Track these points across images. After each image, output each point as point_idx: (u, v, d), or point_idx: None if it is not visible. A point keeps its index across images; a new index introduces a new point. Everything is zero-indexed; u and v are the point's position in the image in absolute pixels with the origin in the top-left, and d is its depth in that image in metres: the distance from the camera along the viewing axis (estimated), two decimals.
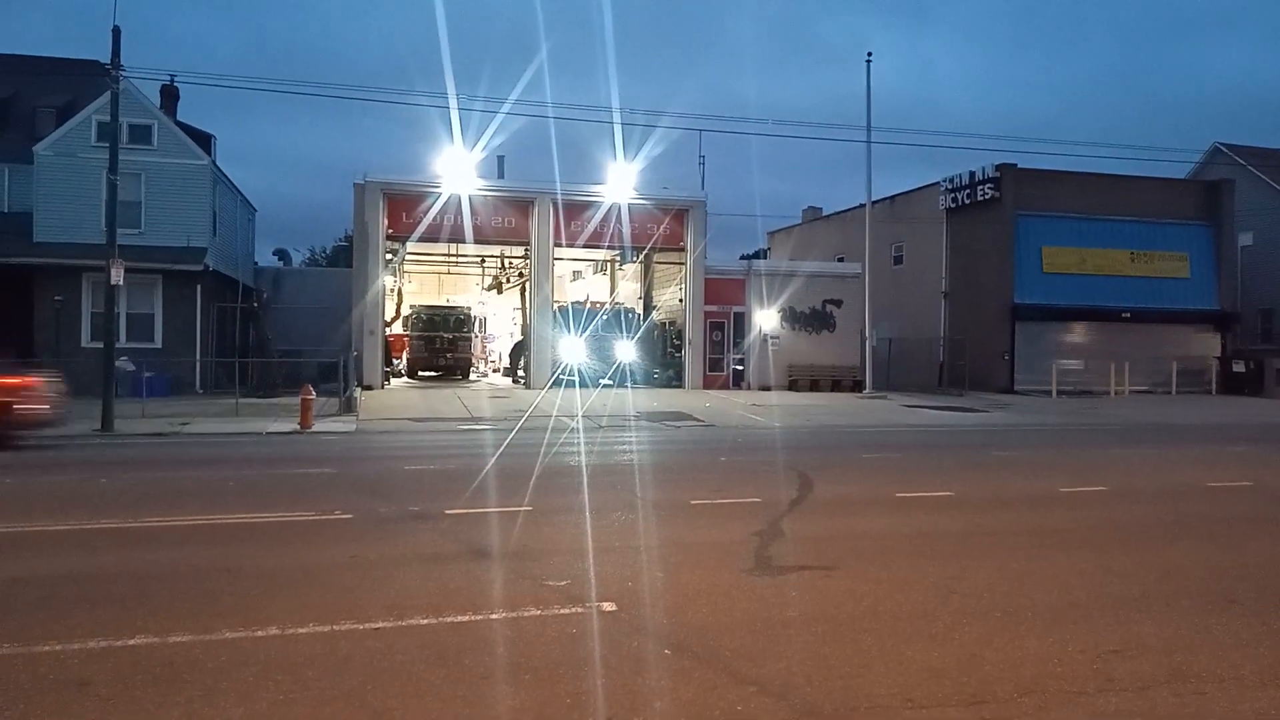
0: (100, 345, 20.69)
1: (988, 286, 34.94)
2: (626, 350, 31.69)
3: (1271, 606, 6.24)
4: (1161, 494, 11.65)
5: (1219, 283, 36.77)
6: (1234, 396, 33.61)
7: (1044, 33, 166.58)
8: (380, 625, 5.58)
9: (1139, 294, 35.41)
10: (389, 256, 32.75)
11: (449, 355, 36.38)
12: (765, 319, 33.34)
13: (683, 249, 32.89)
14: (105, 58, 19.90)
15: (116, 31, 19.33)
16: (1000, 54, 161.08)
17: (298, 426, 19.16)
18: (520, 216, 31.57)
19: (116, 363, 20.44)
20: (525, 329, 34.47)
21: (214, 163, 30.92)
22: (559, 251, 32.55)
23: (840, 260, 38.89)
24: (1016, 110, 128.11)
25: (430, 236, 31.26)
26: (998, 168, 34.67)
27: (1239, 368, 35.46)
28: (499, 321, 44.24)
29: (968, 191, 36.05)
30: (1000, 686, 4.67)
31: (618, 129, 30.91)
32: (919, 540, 8.33)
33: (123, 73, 19.94)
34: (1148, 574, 7.11)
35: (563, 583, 6.62)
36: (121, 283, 19.93)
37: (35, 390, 16.05)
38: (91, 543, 8.10)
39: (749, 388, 32.56)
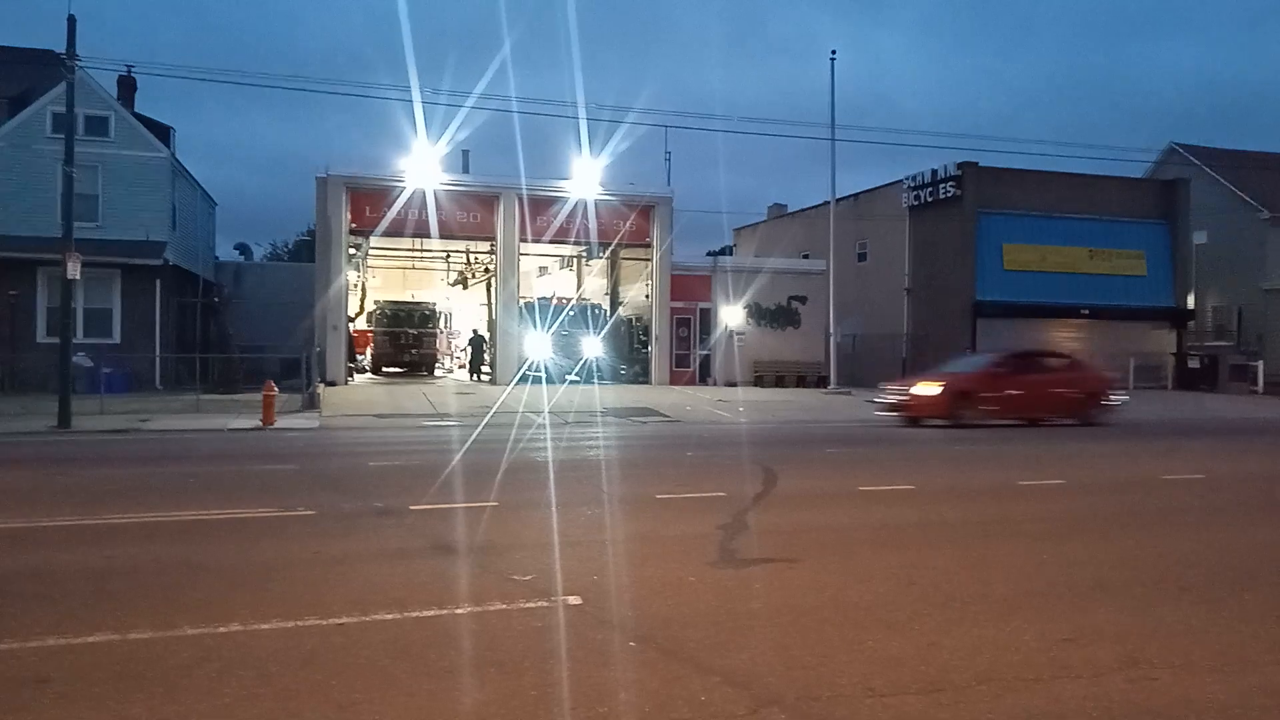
0: (56, 341, 20.33)
1: (950, 283, 35.35)
2: (593, 346, 31.68)
3: (1222, 594, 6.40)
4: (1117, 487, 11.88)
5: (1175, 280, 37.49)
6: (1189, 392, 34.29)
7: (994, 31, 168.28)
8: (344, 620, 5.56)
9: (1097, 291, 36.02)
10: (352, 251, 32.47)
11: (414, 351, 36.14)
12: (731, 315, 33.50)
13: (649, 245, 32.94)
14: (59, 48, 19.54)
15: (72, 20, 18.99)
16: (951, 51, 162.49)
17: (260, 423, 18.98)
18: (485, 211, 31.44)
19: (74, 358, 20.10)
20: (491, 325, 34.34)
21: (173, 155, 30.48)
22: (525, 247, 32.46)
23: (805, 257, 39.16)
24: (969, 107, 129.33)
25: (394, 231, 31.04)
26: (959, 166, 35.07)
27: (1194, 364, 36.20)
28: (464, 317, 44.04)
29: (930, 189, 36.45)
30: (958, 674, 4.75)
31: (583, 124, 30.88)
32: (881, 532, 8.44)
33: (78, 63, 19.58)
34: (1103, 564, 7.26)
35: (528, 577, 6.63)
36: (78, 277, 19.59)
37: None
38: (49, 540, 7.99)
39: (715, 384, 32.71)
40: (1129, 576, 6.89)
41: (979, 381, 20.85)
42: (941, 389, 20.45)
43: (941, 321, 35.28)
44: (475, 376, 35.16)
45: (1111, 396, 22.15)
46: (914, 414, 20.52)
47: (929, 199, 36.53)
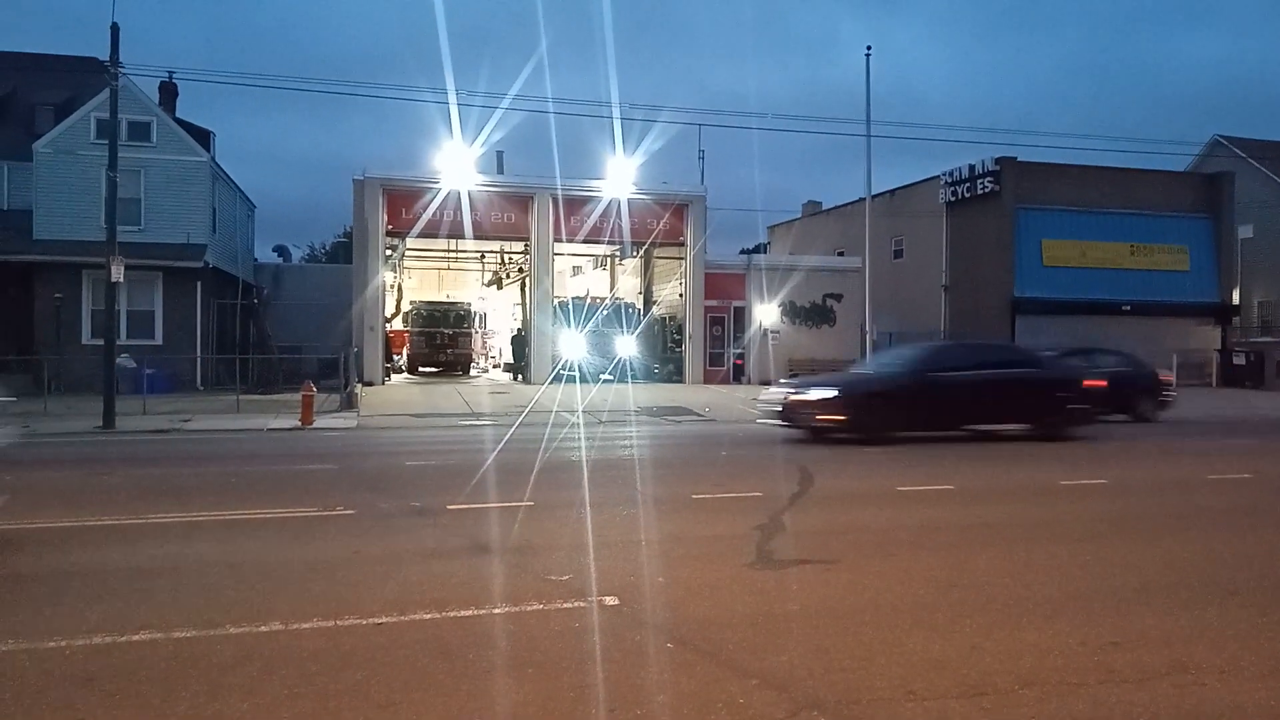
0: (101, 342, 20.72)
1: (988, 280, 34.95)
2: (626, 345, 31.69)
3: (1272, 598, 6.25)
4: (1162, 486, 11.66)
5: (1219, 275, 36.80)
6: (1234, 389, 33.62)
7: (1014, 22, 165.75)
8: (383, 620, 5.59)
9: (1139, 287, 35.45)
10: (388, 252, 32.76)
11: (449, 351, 36.38)
12: (765, 313, 33.36)
13: (683, 244, 32.89)
14: (102, 55, 19.88)
15: (115, 28, 19.31)
16: (970, 44, 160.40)
17: (299, 423, 19.18)
18: (520, 212, 31.57)
19: (117, 360, 20.44)
20: (525, 324, 34.47)
21: (213, 159, 30.92)
22: (559, 247, 32.55)
23: (840, 254, 38.89)
24: (990, 100, 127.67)
25: (430, 232, 31.27)
26: (998, 161, 34.66)
27: (1239, 360, 35.49)
28: (499, 317, 44.25)
29: (967, 185, 36.07)
30: (1001, 678, 4.68)
31: (616, 124, 30.94)
32: (920, 533, 8.34)
33: (122, 69, 19.91)
34: (1148, 566, 7.13)
35: (565, 577, 6.63)
36: (122, 280, 19.94)
37: None
38: (94, 539, 8.12)
39: (749, 382, 32.58)
40: (1174, 580, 6.76)
41: None
42: None
43: (979, 319, 34.89)
44: (519, 376, 35.30)
45: None
46: None
47: (966, 194, 36.15)
